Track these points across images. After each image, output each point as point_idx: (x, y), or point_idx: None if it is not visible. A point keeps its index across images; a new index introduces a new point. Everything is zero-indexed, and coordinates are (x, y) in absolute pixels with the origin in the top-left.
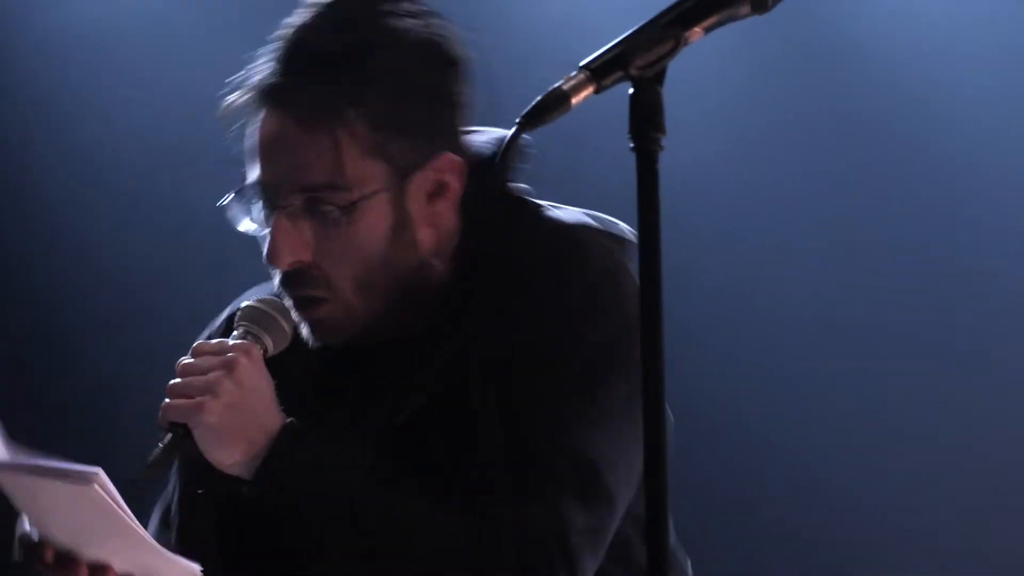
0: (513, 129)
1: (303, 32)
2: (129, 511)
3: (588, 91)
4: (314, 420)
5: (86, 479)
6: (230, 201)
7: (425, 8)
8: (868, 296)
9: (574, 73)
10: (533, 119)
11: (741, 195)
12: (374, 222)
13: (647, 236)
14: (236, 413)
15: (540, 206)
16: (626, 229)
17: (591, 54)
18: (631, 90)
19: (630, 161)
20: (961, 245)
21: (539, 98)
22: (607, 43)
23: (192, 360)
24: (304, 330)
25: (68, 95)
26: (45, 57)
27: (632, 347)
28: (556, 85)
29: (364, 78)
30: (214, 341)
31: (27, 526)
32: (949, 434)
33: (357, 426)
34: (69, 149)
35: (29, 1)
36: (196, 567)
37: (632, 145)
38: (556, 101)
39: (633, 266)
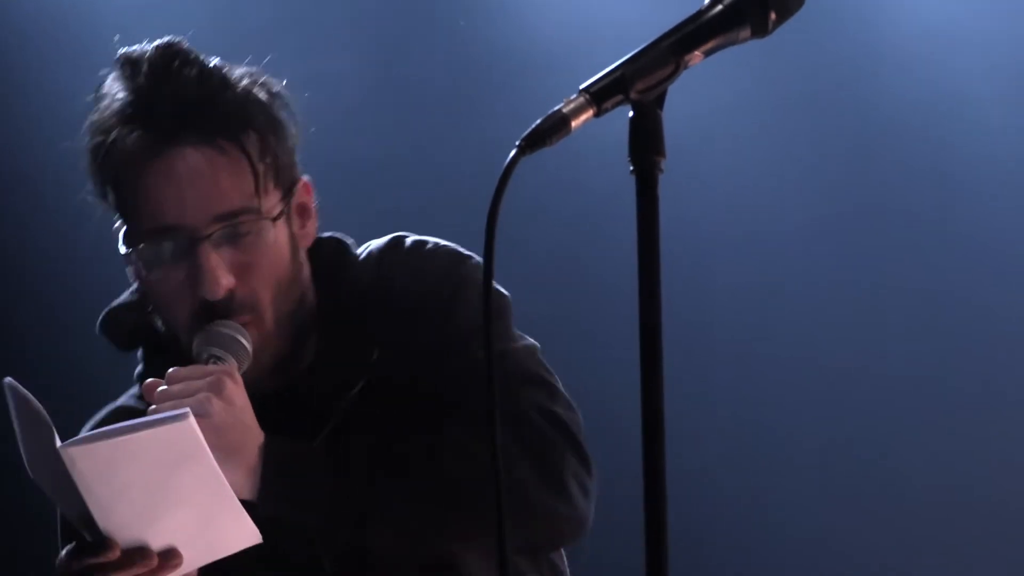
0: (513, 152)
1: (158, 80)
2: None
3: (588, 115)
4: None
5: (183, 415)
6: (134, 251)
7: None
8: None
9: (574, 96)
10: (533, 142)
11: (741, 200)
12: (281, 242)
13: (647, 259)
14: (229, 431)
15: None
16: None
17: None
18: (631, 113)
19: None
20: (964, 251)
21: (539, 121)
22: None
23: (169, 387)
24: None
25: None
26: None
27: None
28: (556, 108)
29: (245, 103)
30: (188, 367)
31: (70, 545)
32: (951, 436)
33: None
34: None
35: None
36: (257, 531)
37: (632, 168)
38: (556, 125)
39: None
